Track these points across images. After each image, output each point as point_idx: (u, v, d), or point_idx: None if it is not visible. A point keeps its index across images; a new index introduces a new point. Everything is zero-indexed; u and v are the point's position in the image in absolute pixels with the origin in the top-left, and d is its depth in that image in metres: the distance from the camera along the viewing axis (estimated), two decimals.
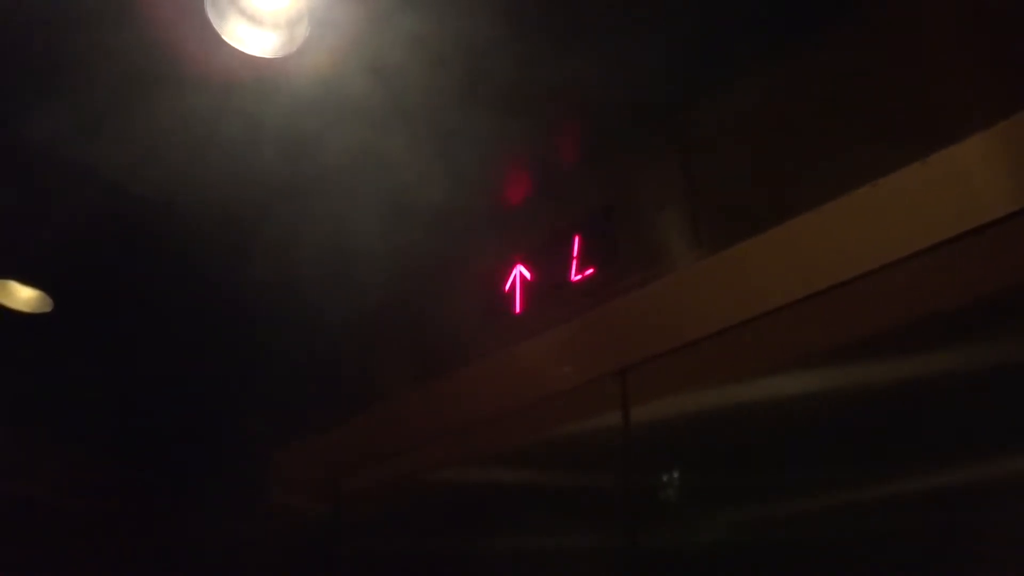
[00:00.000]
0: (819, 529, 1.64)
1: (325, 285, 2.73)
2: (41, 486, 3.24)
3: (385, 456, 2.74)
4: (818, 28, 1.80)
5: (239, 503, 3.16)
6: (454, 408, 2.46)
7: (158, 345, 3.12)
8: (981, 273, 1.54)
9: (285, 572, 2.93)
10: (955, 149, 1.50)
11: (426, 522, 2.59)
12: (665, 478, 1.94)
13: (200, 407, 3.33)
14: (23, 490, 3.18)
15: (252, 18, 1.76)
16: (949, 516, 1.46)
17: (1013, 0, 1.53)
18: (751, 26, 1.84)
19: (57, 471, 3.27)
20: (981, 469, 1.45)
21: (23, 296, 2.83)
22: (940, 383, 1.55)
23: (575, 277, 2.13)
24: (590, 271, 2.09)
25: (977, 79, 1.54)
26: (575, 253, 2.14)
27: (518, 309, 2.25)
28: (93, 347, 3.08)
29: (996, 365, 1.49)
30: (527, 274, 2.27)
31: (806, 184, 1.73)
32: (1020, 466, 1.39)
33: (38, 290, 2.82)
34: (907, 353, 1.61)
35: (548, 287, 2.20)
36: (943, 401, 1.54)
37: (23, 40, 1.84)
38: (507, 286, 2.31)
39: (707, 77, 1.96)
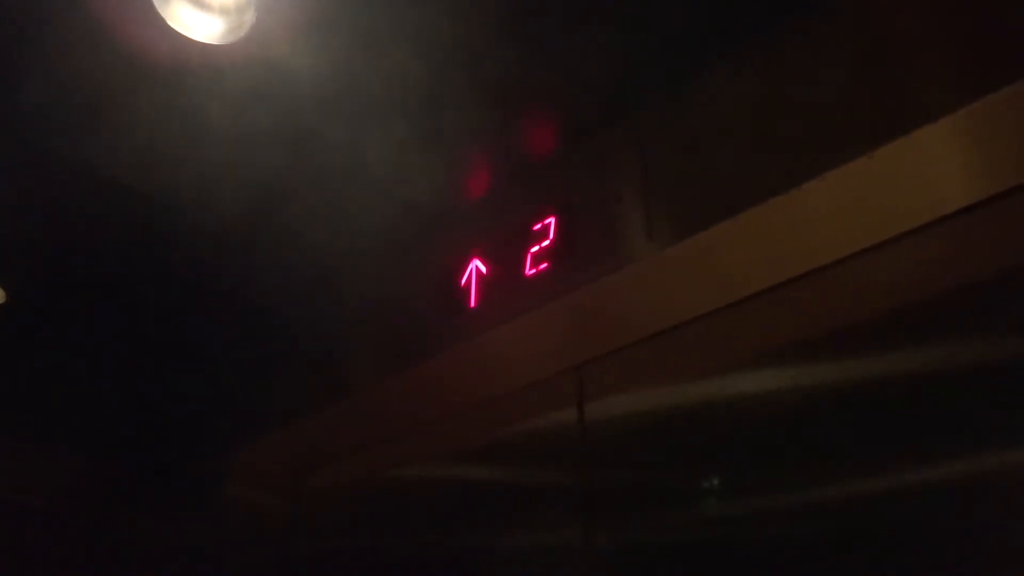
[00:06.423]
0: (779, 527, 1.62)
1: (283, 280, 2.70)
2: None
3: (347, 453, 2.71)
4: (771, 26, 1.81)
5: (198, 501, 3.12)
6: (414, 404, 2.43)
7: (114, 339, 3.08)
8: (940, 267, 1.52)
9: (246, 572, 2.90)
10: (912, 138, 1.48)
11: (386, 520, 2.56)
12: (621, 474, 1.93)
13: (159, 402, 3.29)
14: None
15: (197, 3, 1.74)
16: (911, 516, 1.44)
17: None
18: (705, 26, 1.84)
19: (10, 468, 3.21)
20: (941, 467, 1.43)
21: None
22: (900, 379, 1.53)
23: (529, 272, 2.11)
24: (544, 265, 2.08)
25: (934, 67, 1.53)
26: (530, 248, 2.12)
27: (473, 303, 2.23)
28: (44, 341, 3.03)
29: (957, 362, 1.47)
30: (483, 268, 2.25)
31: (762, 178, 1.71)
32: (984, 464, 1.37)
33: None
34: (865, 348, 1.59)
35: (503, 281, 2.18)
36: (903, 398, 1.52)
37: None
38: (463, 280, 2.29)
39: (663, 75, 1.96)
